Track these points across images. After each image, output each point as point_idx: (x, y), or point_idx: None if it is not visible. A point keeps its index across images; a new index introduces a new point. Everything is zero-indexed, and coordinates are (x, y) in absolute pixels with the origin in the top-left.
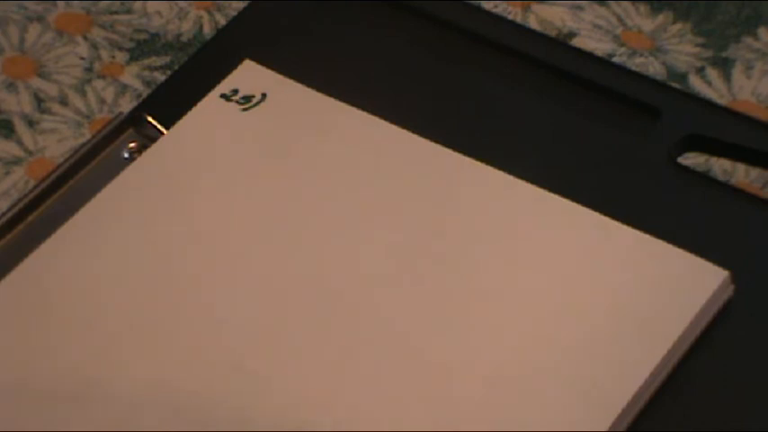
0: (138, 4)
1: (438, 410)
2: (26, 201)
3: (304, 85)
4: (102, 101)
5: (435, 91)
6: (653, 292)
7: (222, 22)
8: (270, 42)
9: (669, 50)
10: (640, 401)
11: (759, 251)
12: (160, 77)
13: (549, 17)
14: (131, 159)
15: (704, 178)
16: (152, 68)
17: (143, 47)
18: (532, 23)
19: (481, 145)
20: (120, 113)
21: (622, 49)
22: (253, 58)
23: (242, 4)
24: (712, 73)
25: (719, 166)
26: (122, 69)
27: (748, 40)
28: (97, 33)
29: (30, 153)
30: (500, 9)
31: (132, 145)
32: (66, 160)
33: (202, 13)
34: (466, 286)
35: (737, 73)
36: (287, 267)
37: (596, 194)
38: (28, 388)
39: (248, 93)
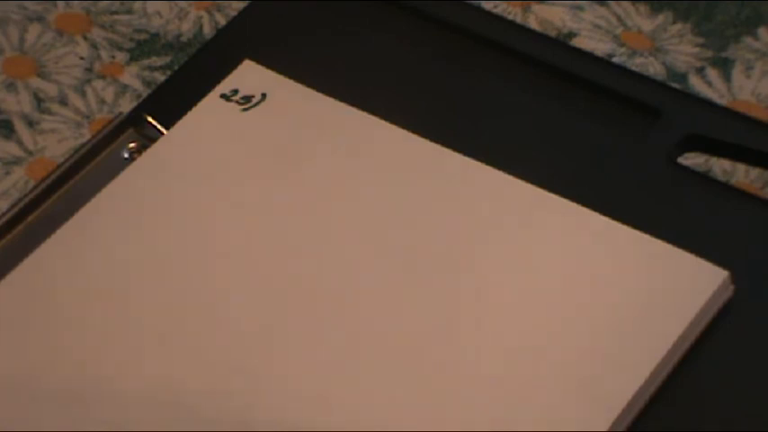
0: (138, 5)
1: (438, 410)
2: (26, 201)
3: (304, 85)
4: (102, 101)
5: (435, 91)
6: (653, 292)
7: (222, 22)
8: (270, 42)
9: (669, 50)
10: (640, 401)
11: (759, 251)
12: (160, 77)
13: (549, 17)
14: (131, 159)
15: (704, 178)
16: (152, 68)
17: (143, 47)
18: (532, 23)
19: (481, 145)
20: (120, 113)
21: (622, 50)
22: (253, 58)
23: (242, 4)
24: (712, 73)
25: (719, 166)
26: (122, 69)
27: (748, 40)
28: (97, 33)
29: (30, 153)
30: (500, 9)
31: (132, 145)
32: (66, 160)
33: (202, 13)
34: (465, 286)
35: (737, 73)
36: (287, 267)
37: (596, 194)
38: (28, 388)
39: (248, 93)
